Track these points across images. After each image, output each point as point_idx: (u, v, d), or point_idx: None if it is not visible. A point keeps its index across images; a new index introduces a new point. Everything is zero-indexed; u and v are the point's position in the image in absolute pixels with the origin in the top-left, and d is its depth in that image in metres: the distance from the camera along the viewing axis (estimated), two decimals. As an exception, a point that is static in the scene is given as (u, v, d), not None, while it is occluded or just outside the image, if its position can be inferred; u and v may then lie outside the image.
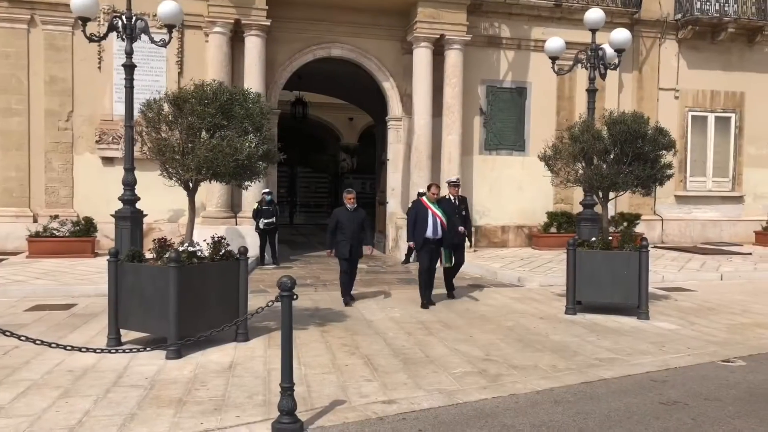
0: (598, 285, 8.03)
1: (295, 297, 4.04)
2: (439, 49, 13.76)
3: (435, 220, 8.56)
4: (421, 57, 13.59)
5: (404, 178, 14.37)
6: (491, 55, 14.85)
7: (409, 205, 10.76)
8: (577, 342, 6.61)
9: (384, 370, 5.50)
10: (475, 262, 12.18)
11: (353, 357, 5.93)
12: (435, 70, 13.74)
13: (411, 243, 8.90)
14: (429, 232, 8.53)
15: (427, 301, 8.51)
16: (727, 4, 15.79)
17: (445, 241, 8.75)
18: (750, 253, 13.88)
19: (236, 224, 12.79)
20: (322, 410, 4.47)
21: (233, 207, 13.12)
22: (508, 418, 4.41)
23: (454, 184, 9.69)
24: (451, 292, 9.32)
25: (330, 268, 12.17)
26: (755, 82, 16.44)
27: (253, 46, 12.71)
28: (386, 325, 7.31)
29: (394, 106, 14.48)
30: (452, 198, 9.45)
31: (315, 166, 27.34)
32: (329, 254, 8.73)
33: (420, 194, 12.94)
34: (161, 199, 10.75)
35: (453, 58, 13.73)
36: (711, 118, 16.44)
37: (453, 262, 9.21)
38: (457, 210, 9.39)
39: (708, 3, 15.74)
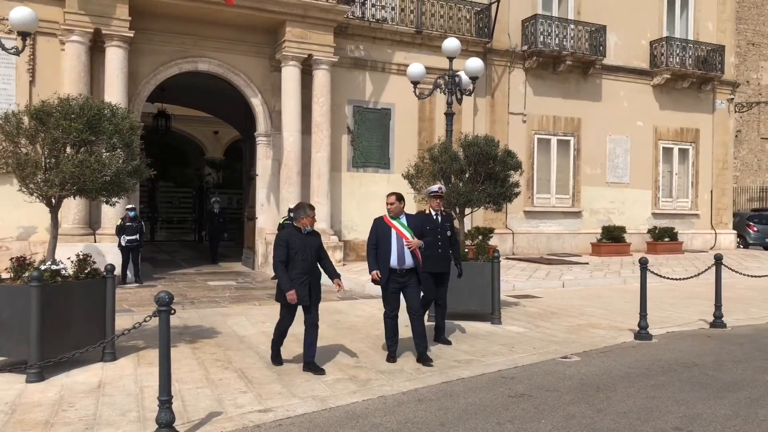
0: (456, 294, 8.65)
1: (172, 312, 4.14)
2: (307, 68, 14.10)
3: (400, 242, 6.38)
4: (290, 75, 13.86)
5: (274, 193, 14.49)
6: (357, 77, 15.45)
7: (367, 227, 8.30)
8: (438, 346, 7.17)
9: (258, 382, 5.67)
10: (344, 276, 12.52)
11: (227, 371, 6.02)
12: (304, 88, 14.06)
13: (374, 273, 6.40)
14: (393, 260, 6.34)
15: (392, 357, 6.46)
16: (565, 39, 17.66)
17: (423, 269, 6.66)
18: (587, 263, 15.53)
19: (95, 241, 12.19)
20: (199, 422, 4.57)
21: (91, 224, 12.49)
22: (377, 417, 4.78)
23: (435, 195, 7.30)
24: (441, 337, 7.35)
25: (196, 286, 12.00)
26: (590, 109, 18.48)
27: (114, 57, 12.27)
28: (259, 340, 7.44)
29: (263, 122, 14.59)
30: (433, 213, 7.35)
31: (178, 180, 26.47)
32: (291, 298, 5.82)
33: (292, 210, 13.19)
34: (8, 215, 10.04)
35: (321, 78, 14.14)
36: (554, 140, 18.22)
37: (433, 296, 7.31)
38: (440, 229, 7.27)
39: (549, 37, 17.51)
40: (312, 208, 6.28)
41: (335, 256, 14.10)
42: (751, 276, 10.66)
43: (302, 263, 5.95)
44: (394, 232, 6.42)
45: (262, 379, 5.77)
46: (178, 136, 26.22)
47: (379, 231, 6.52)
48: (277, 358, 6.27)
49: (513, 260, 16.04)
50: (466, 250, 9.52)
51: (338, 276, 6.30)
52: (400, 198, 6.61)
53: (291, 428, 4.53)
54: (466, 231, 13.34)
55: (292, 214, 12.94)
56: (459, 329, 8.15)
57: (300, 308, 6.05)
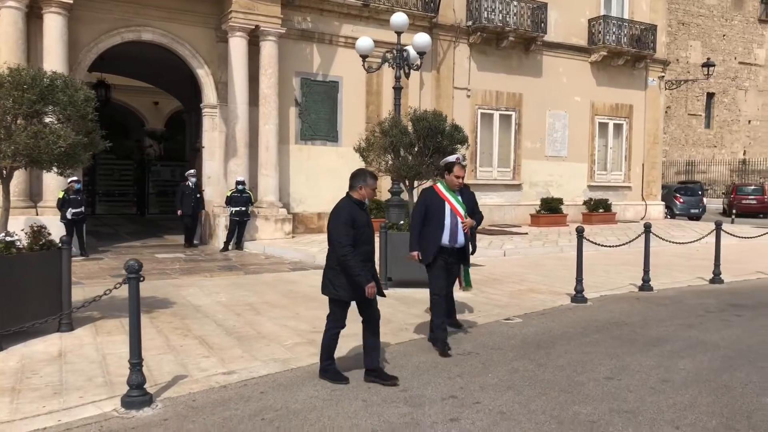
0: (406, 262, 9.02)
1: (142, 279, 4.29)
2: (254, 39, 14.01)
3: (455, 219, 5.80)
4: (237, 46, 13.75)
5: (221, 165, 14.44)
6: (305, 49, 15.44)
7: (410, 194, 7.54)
8: (390, 312, 7.50)
9: (219, 347, 5.87)
10: (294, 248, 12.77)
11: (187, 338, 6.19)
12: (251, 59, 13.97)
13: (414, 254, 5.86)
14: (445, 238, 5.77)
15: (444, 346, 5.74)
16: (508, 16, 18.08)
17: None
18: (527, 233, 16.21)
19: (37, 215, 11.92)
20: (167, 384, 4.76)
21: (32, 196, 12.20)
22: (337, 375, 5.08)
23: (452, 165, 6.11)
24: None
25: (144, 259, 11.89)
26: (530, 85, 19.05)
27: (53, 24, 11.88)
28: (215, 309, 7.60)
29: (209, 94, 14.44)
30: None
31: (118, 152, 25.76)
32: (371, 292, 4.76)
33: (240, 182, 13.23)
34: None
35: (268, 50, 14.08)
36: (496, 115, 18.74)
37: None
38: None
39: (493, 13, 17.89)
40: (374, 176, 4.99)
41: (284, 229, 14.27)
42: (676, 243, 11.48)
43: (366, 246, 4.79)
44: (448, 207, 5.79)
45: (223, 344, 5.98)
46: (117, 107, 25.43)
47: (430, 204, 5.80)
48: (337, 374, 4.92)
49: (457, 231, 16.53)
50: (415, 220, 9.86)
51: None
52: (463, 169, 5.91)
53: (256, 387, 4.78)
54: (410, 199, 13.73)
55: (187, 182, 13.32)
56: (409, 296, 8.53)
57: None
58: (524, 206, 18.91)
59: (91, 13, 12.85)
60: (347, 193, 4.96)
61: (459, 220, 5.81)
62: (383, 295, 5.01)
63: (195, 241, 14.12)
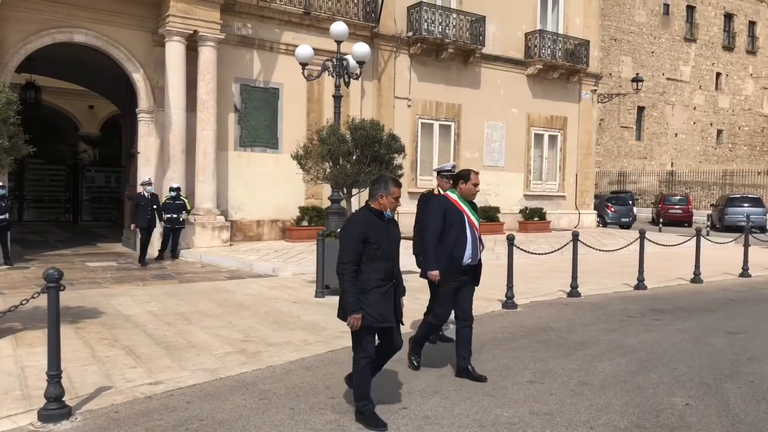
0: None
1: (62, 288, 4.19)
2: (192, 44, 13.82)
3: (474, 233, 5.26)
4: (174, 51, 13.53)
5: (157, 172, 14.13)
6: (245, 55, 15.32)
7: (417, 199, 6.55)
8: (325, 320, 7.54)
9: (148, 357, 5.76)
10: (231, 256, 12.63)
11: (114, 349, 6.05)
12: (189, 64, 13.78)
13: (434, 273, 5.14)
14: (468, 256, 5.19)
15: (417, 360, 5.50)
16: (447, 28, 18.45)
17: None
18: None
19: (-43, 221, 11.38)
20: (88, 397, 4.64)
21: (-47, 202, 11.63)
22: (266, 384, 5.08)
23: (447, 175, 6.00)
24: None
25: (75, 267, 11.56)
26: (469, 96, 19.47)
27: (-23, 22, 11.41)
28: (145, 318, 7.44)
29: (146, 99, 14.14)
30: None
31: (49, 157, 24.81)
32: (352, 323, 4.11)
33: (174, 189, 12.93)
34: None
35: (207, 55, 13.91)
36: (436, 125, 19.05)
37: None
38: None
39: (433, 24, 18.21)
40: (398, 183, 4.38)
41: (222, 237, 14.09)
42: (605, 251, 11.96)
43: (384, 264, 4.19)
44: (466, 219, 5.23)
45: (151, 354, 5.87)
46: (49, 109, 24.54)
47: (449, 215, 5.16)
48: (374, 418, 4.19)
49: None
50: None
51: (404, 292, 4.51)
52: (477, 176, 5.38)
53: (182, 397, 4.72)
54: (353, 211, 13.79)
55: (143, 191, 12.68)
56: (344, 304, 8.56)
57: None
58: (463, 214, 19.20)
59: (18, 13, 12.41)
60: (366, 202, 4.36)
61: (477, 233, 5.27)
62: (391, 325, 4.27)
63: (161, 255, 12.84)
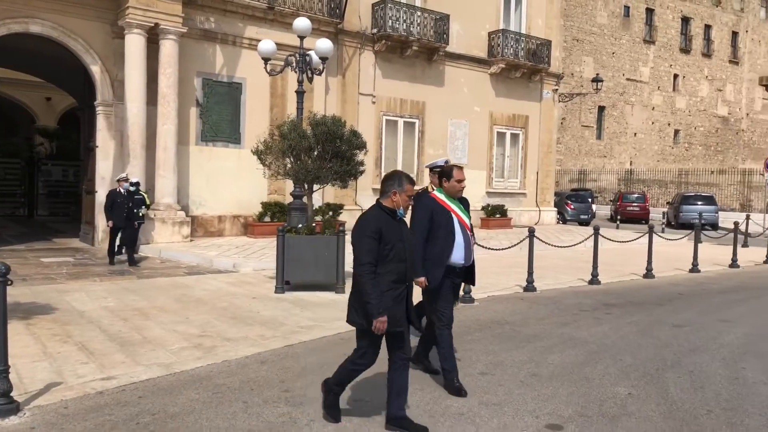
0: (304, 266, 9.15)
1: (10, 282, 4.14)
2: (153, 37, 13.62)
3: (465, 233, 5.03)
4: (134, 44, 13.32)
5: (116, 166, 13.90)
6: (207, 49, 15.17)
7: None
8: (284, 315, 7.57)
9: (100, 353, 5.72)
10: (191, 251, 12.52)
11: (66, 345, 5.98)
12: (150, 57, 13.57)
13: (420, 280, 4.80)
14: (459, 256, 4.97)
15: (458, 385, 4.91)
16: (412, 26, 18.55)
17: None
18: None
19: None
20: (38, 392, 4.60)
21: None
22: (221, 378, 5.10)
23: (438, 172, 5.45)
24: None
25: (28, 263, 11.33)
26: (433, 94, 19.62)
27: (-74, 10, 11.06)
28: (100, 314, 7.36)
29: (104, 91, 13.89)
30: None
31: (3, 149, 24.15)
32: (380, 327, 3.91)
33: (133, 184, 12.68)
34: None
35: (168, 48, 13.73)
36: (401, 122, 19.16)
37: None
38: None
39: (398, 22, 18.29)
40: (412, 180, 4.18)
41: (182, 232, 13.95)
42: (562, 247, 12.24)
43: (397, 265, 3.99)
44: (456, 219, 4.98)
45: (104, 350, 5.83)
46: (3, 101, 23.90)
47: (436, 215, 4.89)
48: (334, 410, 4.28)
49: (360, 235, 16.76)
50: (315, 224, 9.98)
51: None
52: (461, 171, 5.09)
53: (134, 392, 4.72)
54: (316, 207, 13.82)
55: (118, 187, 12.28)
56: (304, 299, 8.61)
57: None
58: (426, 211, 19.36)
59: (-30, 1, 12.06)
60: (377, 200, 4.13)
61: (468, 233, 5.01)
62: (419, 330, 4.09)
63: (120, 250, 11.99)
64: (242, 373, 5.25)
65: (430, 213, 4.91)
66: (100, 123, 14.04)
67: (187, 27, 14.02)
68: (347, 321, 4.17)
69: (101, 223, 13.90)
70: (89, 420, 4.16)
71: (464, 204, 5.19)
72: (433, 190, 5.34)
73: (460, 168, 5.12)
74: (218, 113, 15.45)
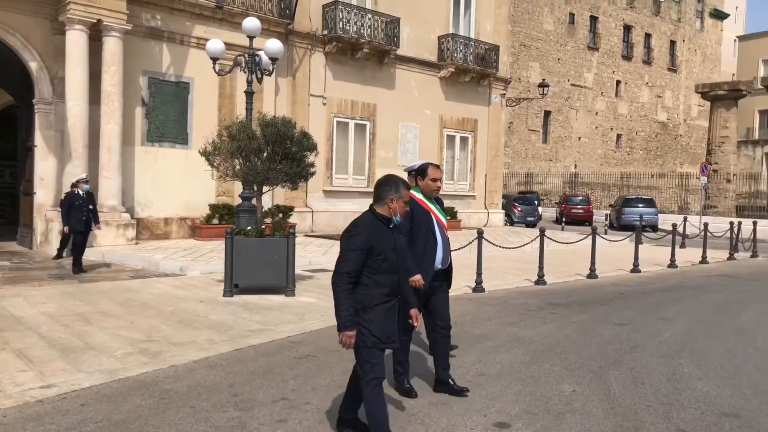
0: (253, 269, 9.04)
1: (-59, 288, 3.95)
2: (96, 34, 13.23)
3: (443, 233, 4.97)
4: (76, 40, 12.90)
5: (57, 167, 13.44)
6: (154, 47, 14.83)
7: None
8: (232, 319, 7.47)
9: (40, 360, 5.52)
10: (136, 254, 12.21)
11: (3, 352, 5.75)
12: (93, 55, 13.17)
13: (417, 278, 4.58)
14: (439, 258, 4.89)
15: (408, 384, 4.92)
16: (363, 28, 18.60)
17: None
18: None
19: None
20: (-27, 403, 4.41)
21: None
22: (168, 384, 5.00)
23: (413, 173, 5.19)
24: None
25: (-37, 267, 10.82)
26: (384, 96, 19.72)
27: None
28: (39, 320, 7.10)
29: (44, 89, 13.41)
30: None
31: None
32: (345, 341, 3.71)
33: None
34: None
35: (112, 46, 13.36)
36: (352, 124, 19.17)
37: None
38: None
39: (348, 24, 18.31)
40: (408, 185, 3.95)
41: (127, 235, 13.60)
42: (511, 248, 12.49)
43: (390, 277, 3.76)
44: (434, 219, 4.86)
45: (45, 357, 5.63)
46: (-67, 97, 22.64)
47: (416, 215, 4.70)
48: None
49: (312, 237, 16.71)
50: (264, 226, 9.88)
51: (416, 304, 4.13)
52: (438, 170, 5.01)
53: (77, 400, 4.57)
54: (266, 209, 13.68)
55: (76, 189, 11.83)
56: (253, 302, 8.51)
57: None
58: (377, 213, 19.43)
59: None
60: (371, 206, 3.85)
61: (446, 233, 4.92)
62: (397, 346, 3.91)
63: (60, 254, 11.73)
64: (190, 378, 5.16)
65: (411, 212, 4.70)
66: (40, 121, 13.54)
67: (132, 24, 13.67)
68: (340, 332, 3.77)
69: (39, 225, 13.43)
70: (29, 429, 4.01)
71: (440, 204, 5.10)
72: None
73: (437, 167, 5.00)
74: (165, 113, 15.12)
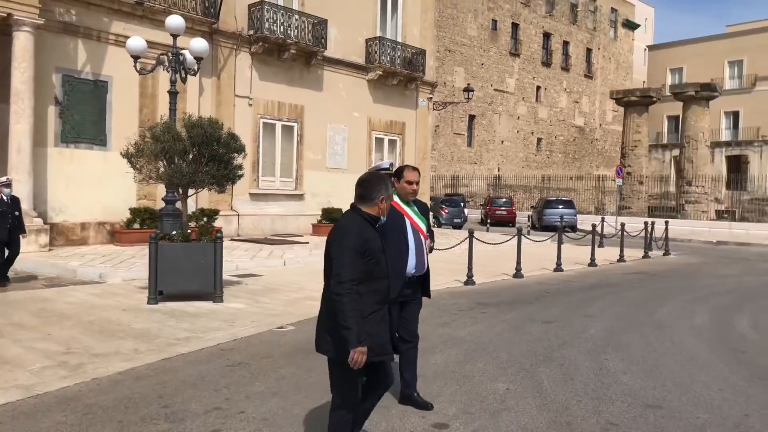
0: (178, 275, 8.72)
1: None
2: (6, 28, 12.43)
3: (419, 238, 4.66)
4: (-19, 34, 12.07)
5: (-41, 169, 12.51)
6: (68, 44, 14.08)
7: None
8: (158, 327, 7.17)
9: (-55, 378, 5.10)
10: (50, 262, 11.55)
11: None
12: (2, 51, 12.37)
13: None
14: (411, 265, 4.58)
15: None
16: (290, 29, 18.38)
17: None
18: (308, 242, 16.58)
19: None
20: None
21: None
22: (91, 398, 4.73)
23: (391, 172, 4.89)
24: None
25: None
26: (312, 98, 19.56)
27: None
28: (-57, 334, 6.57)
29: (-55, 86, 12.46)
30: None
31: None
32: (357, 359, 3.22)
33: (2, 185, 10.95)
34: None
35: (23, 41, 12.58)
36: (279, 125, 18.90)
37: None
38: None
39: (275, 24, 18.04)
40: (393, 183, 3.70)
41: (39, 241, 12.85)
42: (440, 250, 12.64)
43: (381, 282, 3.49)
44: (409, 224, 4.61)
45: (-49, 375, 5.20)
46: None
47: (389, 218, 4.09)
48: None
49: (238, 241, 16.34)
50: (189, 231, 9.56)
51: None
52: (416, 173, 4.73)
53: (-11, 420, 4.25)
54: (190, 212, 13.25)
55: None
56: (180, 309, 8.22)
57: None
58: (306, 216, 19.31)
59: None
60: (353, 205, 3.57)
61: (422, 238, 4.64)
62: (394, 355, 3.69)
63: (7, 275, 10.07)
64: (115, 391, 4.90)
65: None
66: (-60, 120, 12.57)
67: (44, 19, 12.93)
68: (317, 350, 3.50)
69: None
70: (-66, 455, 3.69)
71: (422, 208, 4.85)
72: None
73: (414, 169, 4.77)
74: (81, 113, 14.38)
